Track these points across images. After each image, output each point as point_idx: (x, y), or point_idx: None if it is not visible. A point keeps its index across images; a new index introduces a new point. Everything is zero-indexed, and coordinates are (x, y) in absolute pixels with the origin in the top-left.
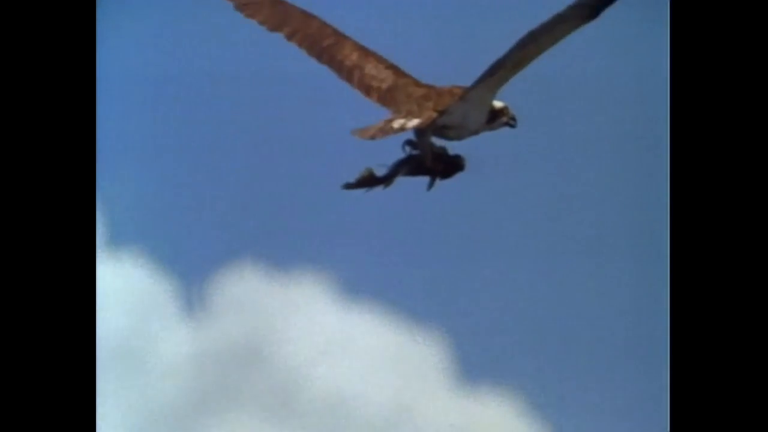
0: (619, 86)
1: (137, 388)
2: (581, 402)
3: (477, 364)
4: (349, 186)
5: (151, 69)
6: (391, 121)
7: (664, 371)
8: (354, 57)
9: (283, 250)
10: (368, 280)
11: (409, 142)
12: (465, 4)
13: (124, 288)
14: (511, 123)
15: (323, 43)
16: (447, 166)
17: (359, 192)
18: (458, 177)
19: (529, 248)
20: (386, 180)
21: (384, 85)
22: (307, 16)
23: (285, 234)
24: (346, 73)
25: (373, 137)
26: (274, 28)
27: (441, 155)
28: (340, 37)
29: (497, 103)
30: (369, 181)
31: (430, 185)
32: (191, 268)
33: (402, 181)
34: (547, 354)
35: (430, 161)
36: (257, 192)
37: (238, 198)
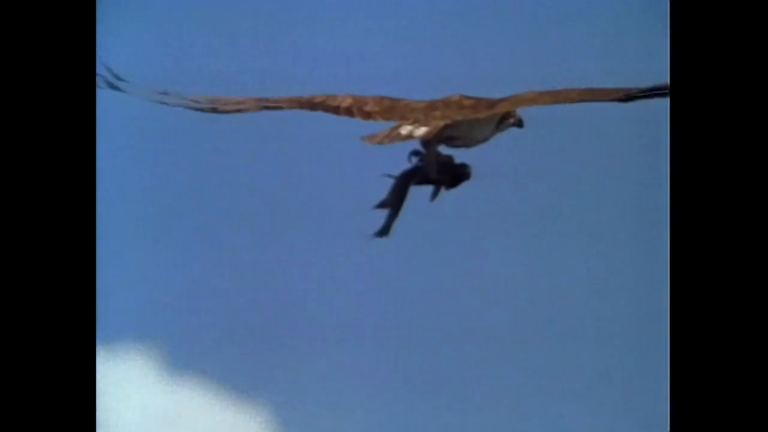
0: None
1: None
2: (581, 405)
3: None
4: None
5: (151, 69)
6: (398, 127)
7: (664, 372)
8: (349, 100)
9: (107, 323)
10: (194, 355)
11: (415, 153)
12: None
13: None
14: (518, 125)
15: (314, 101)
16: (453, 175)
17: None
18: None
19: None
20: (398, 197)
21: (384, 107)
22: (294, 98)
23: (111, 307)
24: (345, 112)
25: (380, 143)
26: (256, 110)
27: (447, 164)
28: (331, 95)
29: None
30: (390, 201)
31: (434, 195)
32: None
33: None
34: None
35: (435, 173)
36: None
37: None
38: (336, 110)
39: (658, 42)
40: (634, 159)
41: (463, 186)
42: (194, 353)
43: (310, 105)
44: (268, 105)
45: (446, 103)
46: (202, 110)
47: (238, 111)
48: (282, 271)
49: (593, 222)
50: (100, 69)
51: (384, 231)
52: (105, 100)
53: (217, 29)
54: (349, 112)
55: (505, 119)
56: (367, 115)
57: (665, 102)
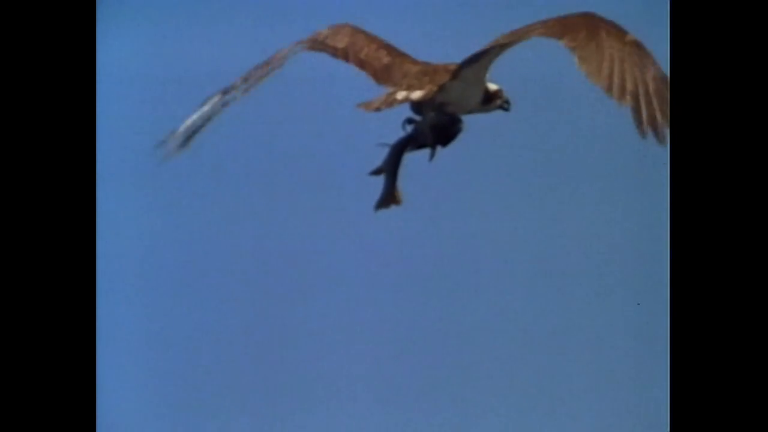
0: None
1: None
2: (580, 404)
3: None
4: (375, 173)
5: (151, 69)
6: (393, 93)
7: (664, 372)
8: (346, 40)
9: (107, 321)
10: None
11: (409, 121)
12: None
13: None
14: (505, 106)
15: (318, 39)
16: (446, 134)
17: None
18: None
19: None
20: (394, 164)
21: (381, 63)
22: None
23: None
24: (342, 54)
25: (377, 109)
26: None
27: (438, 125)
28: (336, 30)
29: (492, 86)
30: (386, 168)
31: (432, 156)
32: None
33: None
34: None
35: (431, 139)
36: None
37: None
38: (334, 51)
39: (658, 41)
40: (632, 155)
41: (459, 143)
42: (193, 339)
43: (312, 42)
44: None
45: (435, 69)
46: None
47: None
48: (275, 239)
49: (588, 218)
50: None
51: (382, 202)
52: (105, 99)
53: (217, 27)
54: (345, 54)
55: (493, 99)
56: (361, 64)
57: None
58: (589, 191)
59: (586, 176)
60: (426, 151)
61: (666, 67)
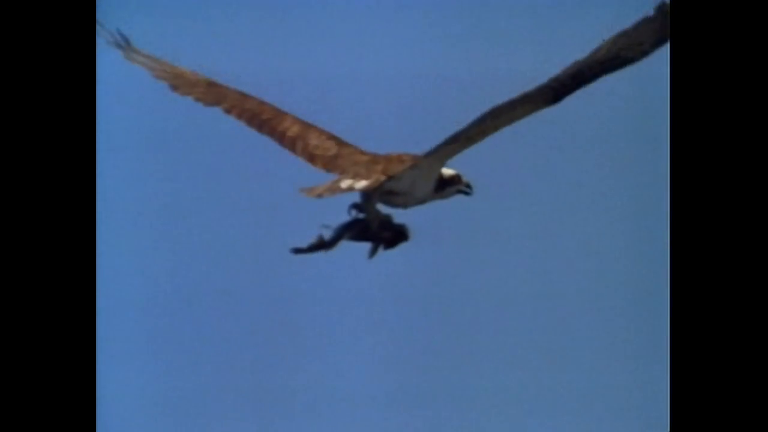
0: (619, 86)
1: None
2: (581, 403)
3: None
4: (299, 251)
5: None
6: (338, 180)
7: (664, 372)
8: (295, 129)
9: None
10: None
11: (355, 206)
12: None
13: None
14: (466, 191)
15: (262, 117)
16: (392, 234)
17: None
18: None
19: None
20: (331, 244)
21: (328, 153)
22: (243, 95)
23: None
24: (289, 143)
25: (320, 195)
26: (210, 104)
27: (387, 223)
28: (280, 111)
29: (447, 171)
30: (317, 246)
31: (373, 252)
32: None
33: None
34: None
35: (376, 226)
36: None
37: None
38: (281, 138)
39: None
40: (633, 154)
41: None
42: (193, 340)
43: (259, 123)
44: (219, 103)
45: (388, 159)
46: (161, 79)
47: (186, 95)
48: (276, 236)
49: (589, 217)
50: (103, 32)
51: (301, 250)
52: (105, 99)
53: (217, 27)
54: (293, 145)
55: (449, 185)
56: (311, 158)
57: (665, 99)
58: (589, 196)
59: (585, 181)
60: None
61: (666, 67)
